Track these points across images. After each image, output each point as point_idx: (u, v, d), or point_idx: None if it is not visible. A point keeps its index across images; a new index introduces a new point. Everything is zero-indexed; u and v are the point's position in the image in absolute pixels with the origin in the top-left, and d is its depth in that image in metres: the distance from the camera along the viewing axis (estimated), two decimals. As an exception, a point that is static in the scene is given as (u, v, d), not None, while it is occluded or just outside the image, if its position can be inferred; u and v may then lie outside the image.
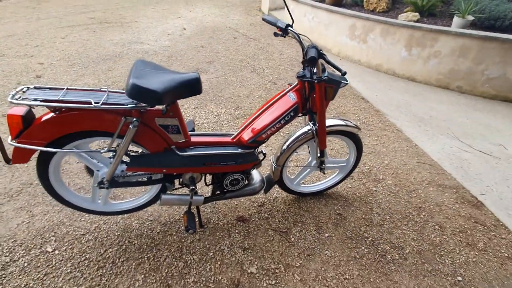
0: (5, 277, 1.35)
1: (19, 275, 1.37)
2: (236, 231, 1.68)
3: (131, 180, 1.43)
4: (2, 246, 1.48)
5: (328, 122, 1.55)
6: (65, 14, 5.88)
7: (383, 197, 2.00)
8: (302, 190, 1.87)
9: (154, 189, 1.55)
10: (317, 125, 1.49)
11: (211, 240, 1.62)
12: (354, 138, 1.67)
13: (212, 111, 2.85)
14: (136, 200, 1.60)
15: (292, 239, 1.66)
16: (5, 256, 1.45)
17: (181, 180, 1.49)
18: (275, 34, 1.38)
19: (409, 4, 4.76)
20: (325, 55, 1.26)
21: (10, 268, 1.39)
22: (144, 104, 1.14)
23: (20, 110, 1.11)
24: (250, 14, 7.07)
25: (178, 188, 1.58)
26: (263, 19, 1.46)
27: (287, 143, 1.59)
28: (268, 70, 3.87)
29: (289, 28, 1.34)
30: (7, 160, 1.20)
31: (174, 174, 1.44)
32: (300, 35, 1.34)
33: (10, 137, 1.15)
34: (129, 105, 1.14)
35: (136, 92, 1.07)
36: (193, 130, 1.52)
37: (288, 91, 1.41)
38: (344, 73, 1.29)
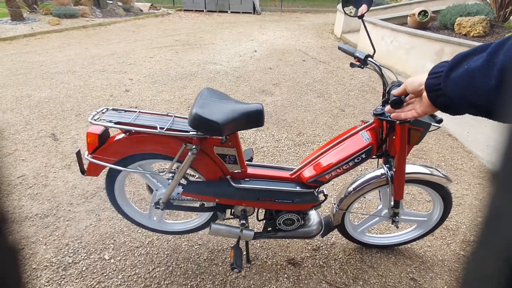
0: (64, 278, 1.45)
1: (76, 279, 1.46)
2: (285, 275, 1.51)
3: (184, 204, 1.42)
4: (69, 246, 1.62)
5: (409, 168, 1.29)
6: (156, 36, 6.75)
7: (475, 266, 1.57)
8: (367, 240, 1.60)
9: (205, 215, 1.52)
10: (394, 170, 1.26)
11: (257, 280, 1.48)
12: (441, 190, 1.36)
13: (273, 135, 2.77)
14: (188, 223, 1.59)
15: (350, 300, 1.41)
16: (69, 256, 1.57)
17: (232, 210, 1.43)
18: (352, 65, 1.23)
19: (515, 27, 4.04)
20: None
21: (71, 269, 1.50)
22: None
23: (98, 129, 1.20)
24: (321, 37, 7.00)
25: (229, 219, 1.51)
26: (339, 48, 1.33)
27: (354, 186, 1.38)
28: (336, 96, 3.66)
29: (369, 59, 1.17)
30: (83, 172, 1.31)
31: (227, 204, 1.38)
32: (382, 67, 1.16)
33: (87, 152, 1.25)
34: (191, 133, 1.13)
35: (197, 122, 1.06)
36: (251, 159, 1.44)
37: (360, 129, 1.22)
38: (440, 120, 1.05)
